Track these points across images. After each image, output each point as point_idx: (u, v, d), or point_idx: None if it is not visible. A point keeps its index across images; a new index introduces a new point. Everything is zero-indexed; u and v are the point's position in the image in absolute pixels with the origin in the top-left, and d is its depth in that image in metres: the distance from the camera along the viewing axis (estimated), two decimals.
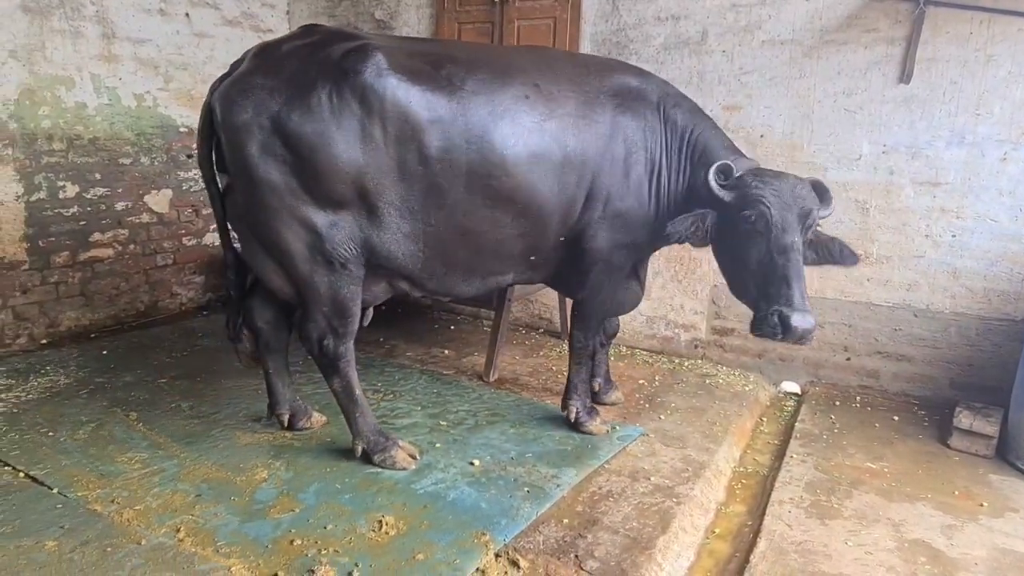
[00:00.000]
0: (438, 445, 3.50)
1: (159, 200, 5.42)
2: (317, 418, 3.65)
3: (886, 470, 3.49)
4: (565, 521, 2.91)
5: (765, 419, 4.28)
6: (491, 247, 3.24)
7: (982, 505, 3.19)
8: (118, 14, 4.95)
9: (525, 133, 3.06)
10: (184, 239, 5.65)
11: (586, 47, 5.05)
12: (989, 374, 4.14)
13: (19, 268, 4.62)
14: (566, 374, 3.78)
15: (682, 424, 3.92)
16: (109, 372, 4.27)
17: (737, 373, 4.77)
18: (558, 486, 3.17)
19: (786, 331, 2.84)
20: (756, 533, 2.95)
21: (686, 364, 4.91)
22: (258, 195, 2.92)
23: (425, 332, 5.38)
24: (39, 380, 4.08)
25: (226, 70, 3.02)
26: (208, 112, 2.99)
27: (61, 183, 4.76)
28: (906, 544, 2.87)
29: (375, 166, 2.91)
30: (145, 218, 5.35)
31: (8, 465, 3.14)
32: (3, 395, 3.86)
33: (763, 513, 3.09)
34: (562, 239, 3.36)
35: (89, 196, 4.94)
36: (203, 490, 3.01)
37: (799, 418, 4.11)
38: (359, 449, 3.27)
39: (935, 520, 3.06)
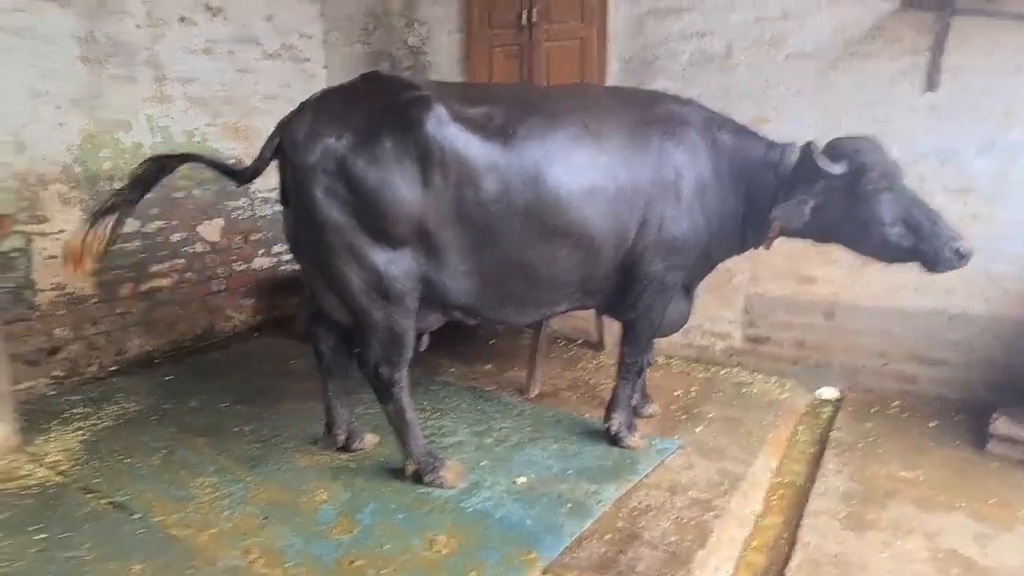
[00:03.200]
0: (484, 463, 3.69)
1: (211, 229, 5.72)
2: (370, 439, 3.87)
3: (922, 479, 3.56)
4: (607, 537, 3.07)
5: (801, 427, 4.35)
6: (546, 279, 3.43)
7: (1019, 514, 3.25)
8: (168, 57, 5.25)
9: (577, 172, 3.26)
10: (235, 264, 5.95)
11: (613, 66, 5.18)
12: None
13: (89, 301, 4.95)
14: (608, 387, 3.93)
15: (719, 435, 4.04)
16: (175, 398, 4.56)
17: (773, 381, 4.86)
18: (599, 502, 3.33)
19: (962, 258, 3.21)
20: (791, 545, 3.06)
21: (722, 373, 5.02)
22: (321, 233, 3.15)
23: (468, 349, 5.57)
24: (112, 408, 4.39)
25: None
26: (278, 150, 3.21)
27: None
28: (940, 555, 2.95)
29: (435, 209, 3.12)
30: (199, 247, 5.65)
31: (93, 492, 3.42)
32: (82, 423, 4.17)
33: (798, 525, 3.20)
34: (616, 266, 3.53)
35: (148, 230, 5.26)
36: (269, 512, 3.25)
37: (835, 426, 4.19)
38: (410, 469, 3.48)
39: (970, 530, 3.13)
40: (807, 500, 3.40)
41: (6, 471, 3.60)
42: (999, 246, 4.15)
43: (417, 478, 3.47)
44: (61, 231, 4.72)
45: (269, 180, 6.13)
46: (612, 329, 5.50)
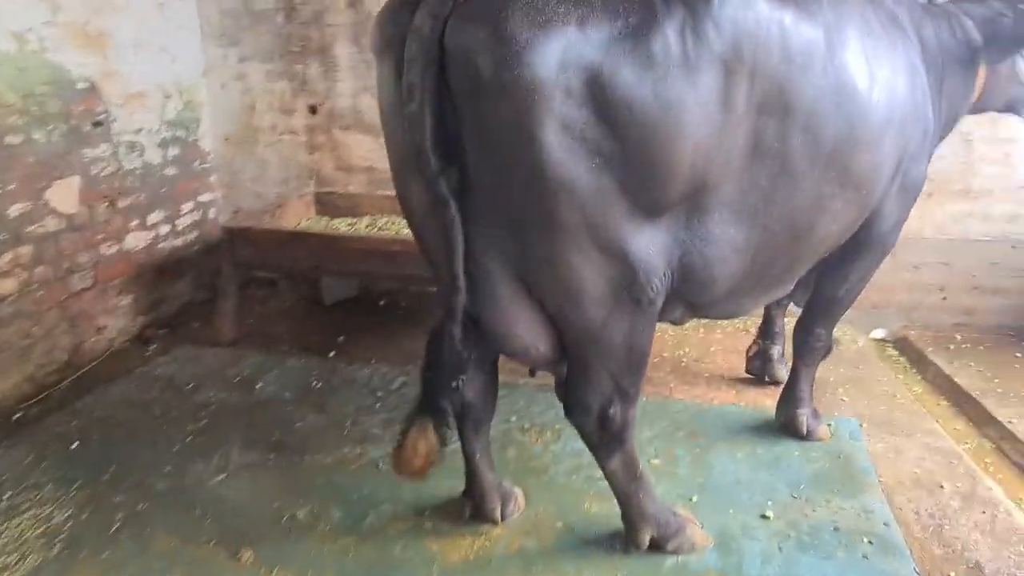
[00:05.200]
0: (694, 499, 2.68)
1: (65, 194, 3.61)
2: (519, 495, 2.61)
3: None
4: (949, 574, 2.33)
5: (900, 377, 3.98)
6: (811, 250, 2.36)
7: None
8: None
9: (882, 75, 2.16)
10: (102, 247, 3.88)
11: None
12: None
13: None
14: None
15: (869, 404, 3.49)
16: (118, 483, 2.70)
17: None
18: (885, 524, 2.56)
19: None
20: None
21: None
22: (544, 204, 1.77)
23: None
24: (20, 520, 2.44)
25: None
26: (439, 62, 1.70)
27: None
28: None
29: (726, 146, 1.87)
30: (51, 224, 3.53)
31: None
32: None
33: None
34: None
35: None
36: None
37: (945, 372, 3.87)
38: (646, 538, 2.34)
39: None
40: None
41: None
42: None
43: (654, 546, 2.36)
44: None
45: (136, 119, 4.12)
46: None
